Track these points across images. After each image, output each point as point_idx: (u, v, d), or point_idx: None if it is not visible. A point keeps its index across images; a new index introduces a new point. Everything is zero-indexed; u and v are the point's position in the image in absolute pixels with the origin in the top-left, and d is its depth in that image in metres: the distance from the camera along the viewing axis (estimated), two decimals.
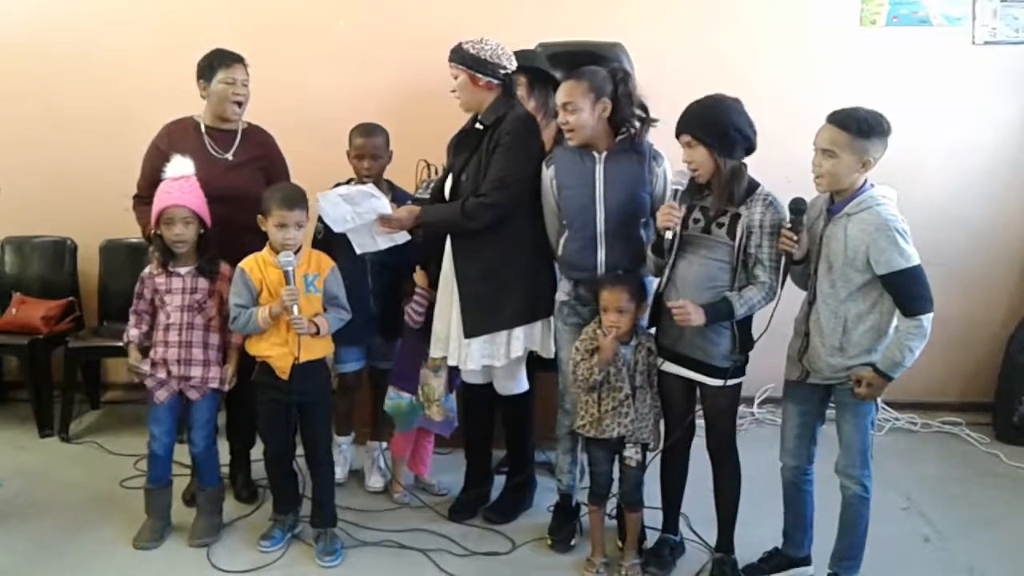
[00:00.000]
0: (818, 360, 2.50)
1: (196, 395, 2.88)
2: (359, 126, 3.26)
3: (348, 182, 3.20)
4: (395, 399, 3.20)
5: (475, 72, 2.84)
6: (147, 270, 2.91)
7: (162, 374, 2.85)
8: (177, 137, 3.07)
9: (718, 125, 2.48)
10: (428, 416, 3.18)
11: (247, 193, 2.93)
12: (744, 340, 2.60)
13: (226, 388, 2.93)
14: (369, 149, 3.20)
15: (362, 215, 2.90)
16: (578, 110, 2.70)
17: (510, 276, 2.89)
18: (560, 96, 2.75)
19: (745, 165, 2.54)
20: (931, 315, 2.36)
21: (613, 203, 2.74)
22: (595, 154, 2.76)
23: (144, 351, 2.90)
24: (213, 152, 3.06)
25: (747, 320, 2.60)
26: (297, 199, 2.76)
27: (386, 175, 3.31)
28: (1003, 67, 4.08)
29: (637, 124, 2.76)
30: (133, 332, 2.91)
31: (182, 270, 2.86)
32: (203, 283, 2.87)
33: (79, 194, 4.15)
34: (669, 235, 2.54)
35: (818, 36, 4.08)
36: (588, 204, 2.75)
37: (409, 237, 3.00)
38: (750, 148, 2.52)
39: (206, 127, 3.10)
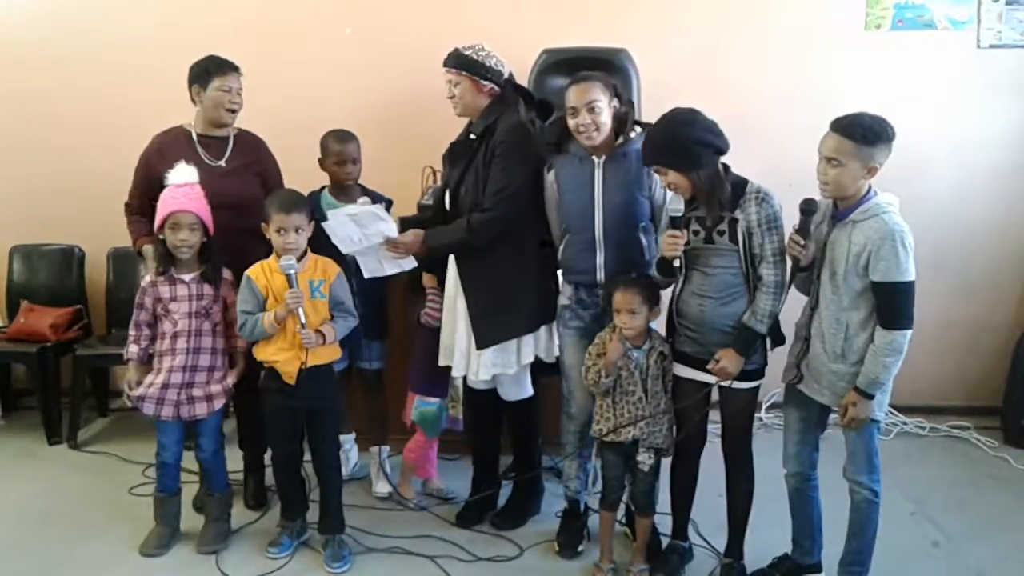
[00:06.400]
0: (820, 366, 2.49)
1: (187, 413, 2.84)
2: (333, 133, 3.22)
3: (322, 190, 3.21)
4: (423, 407, 3.21)
5: (479, 78, 2.86)
6: (147, 279, 2.89)
7: (156, 387, 2.81)
8: (169, 147, 3.05)
9: (675, 145, 2.47)
10: (452, 416, 3.27)
11: (243, 198, 2.96)
12: (776, 336, 2.62)
13: (230, 383, 2.92)
14: (349, 154, 3.19)
15: (369, 237, 2.89)
16: (603, 109, 2.69)
17: (517, 284, 2.90)
18: (583, 96, 2.68)
19: (725, 166, 2.53)
20: (908, 333, 2.35)
21: (611, 207, 2.74)
22: (594, 158, 2.76)
23: (143, 369, 2.89)
24: (206, 160, 3.05)
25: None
26: (295, 203, 2.77)
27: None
28: (1008, 70, 4.07)
29: (637, 128, 2.77)
30: (132, 348, 2.89)
31: (186, 277, 2.87)
32: (208, 289, 2.88)
33: (87, 202, 4.16)
34: (677, 263, 2.56)
35: (823, 40, 4.09)
36: (587, 208, 2.76)
37: (416, 264, 2.98)
38: (720, 150, 2.50)
39: (198, 135, 3.09)
